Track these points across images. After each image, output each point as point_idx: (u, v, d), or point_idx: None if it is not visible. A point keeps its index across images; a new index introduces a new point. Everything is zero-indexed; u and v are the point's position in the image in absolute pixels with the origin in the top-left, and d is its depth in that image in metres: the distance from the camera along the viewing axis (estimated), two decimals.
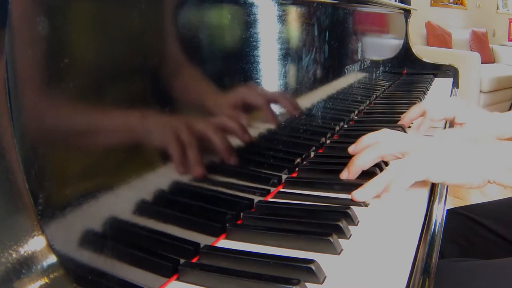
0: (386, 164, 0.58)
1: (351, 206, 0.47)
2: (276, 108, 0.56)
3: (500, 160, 0.49)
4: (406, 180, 0.49)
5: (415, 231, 0.44)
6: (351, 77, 0.88)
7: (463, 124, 0.73)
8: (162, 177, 0.36)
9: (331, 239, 0.39)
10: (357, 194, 0.50)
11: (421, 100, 1.04)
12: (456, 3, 4.66)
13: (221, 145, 0.44)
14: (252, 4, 0.49)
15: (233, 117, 0.46)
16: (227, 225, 0.44)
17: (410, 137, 0.56)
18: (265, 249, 0.41)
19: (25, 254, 0.25)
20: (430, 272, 0.39)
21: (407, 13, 1.49)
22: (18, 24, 0.24)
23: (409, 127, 0.82)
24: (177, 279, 0.37)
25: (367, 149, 0.55)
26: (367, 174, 0.55)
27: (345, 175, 0.56)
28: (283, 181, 0.56)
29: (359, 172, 0.55)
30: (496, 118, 0.73)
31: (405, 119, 0.80)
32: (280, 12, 0.55)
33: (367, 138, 0.57)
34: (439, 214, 0.49)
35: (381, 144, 0.55)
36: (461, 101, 0.77)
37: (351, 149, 0.58)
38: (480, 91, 3.60)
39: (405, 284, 0.35)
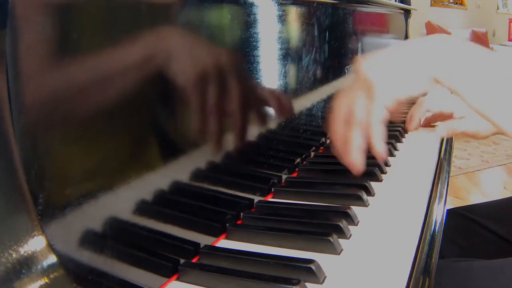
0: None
1: (351, 206, 0.47)
2: (276, 108, 0.56)
3: (450, 62, 0.45)
4: (378, 129, 0.45)
5: (415, 231, 0.44)
6: None
7: (462, 117, 0.73)
8: (162, 177, 0.36)
9: (331, 239, 0.39)
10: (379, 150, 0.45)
11: None
12: (456, 3, 4.66)
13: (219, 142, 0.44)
14: (252, 4, 0.49)
15: (232, 117, 0.46)
16: (227, 225, 0.44)
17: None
18: (265, 249, 0.41)
19: (25, 254, 0.25)
20: (430, 272, 0.39)
21: (407, 13, 1.49)
22: (18, 24, 0.24)
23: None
24: (177, 279, 0.37)
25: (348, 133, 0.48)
26: (368, 175, 0.55)
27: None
28: (283, 181, 0.56)
29: (361, 151, 0.47)
30: None
31: (412, 122, 0.78)
32: (280, 12, 0.55)
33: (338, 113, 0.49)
34: (439, 214, 0.49)
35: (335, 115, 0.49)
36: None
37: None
38: None
39: (405, 284, 0.35)
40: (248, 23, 0.48)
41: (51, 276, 0.25)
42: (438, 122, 0.77)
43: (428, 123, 0.82)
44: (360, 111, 0.47)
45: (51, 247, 0.26)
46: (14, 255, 0.24)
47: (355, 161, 0.46)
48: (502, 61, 0.43)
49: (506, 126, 0.43)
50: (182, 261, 0.38)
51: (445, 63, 0.44)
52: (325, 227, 0.42)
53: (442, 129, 0.71)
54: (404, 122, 0.79)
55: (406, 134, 0.76)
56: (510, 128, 0.42)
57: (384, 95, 0.46)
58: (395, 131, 0.74)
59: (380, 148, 0.45)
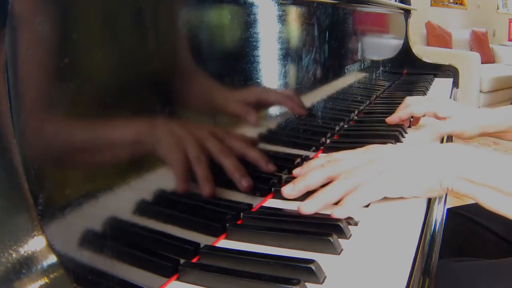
0: None
1: None
2: (276, 108, 0.56)
3: (452, 167, 0.46)
4: (366, 197, 0.46)
5: (415, 231, 0.44)
6: (351, 77, 0.88)
7: (447, 117, 0.73)
8: (162, 177, 0.36)
9: (331, 239, 0.39)
10: (304, 207, 0.46)
11: None
12: (456, 3, 4.66)
13: (221, 148, 0.44)
14: (252, 4, 0.49)
15: (232, 117, 0.46)
16: (227, 225, 0.44)
17: (366, 154, 0.51)
18: (265, 249, 0.41)
19: (25, 254, 0.25)
20: (430, 272, 0.39)
21: (407, 13, 1.49)
22: (18, 24, 0.24)
23: (409, 126, 0.82)
24: (177, 279, 0.37)
25: (319, 169, 0.50)
26: None
27: (288, 191, 0.49)
28: (283, 181, 0.56)
29: (305, 191, 0.49)
30: (480, 112, 0.73)
31: (394, 116, 0.79)
32: (280, 12, 0.55)
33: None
34: (439, 214, 0.49)
35: (331, 164, 0.50)
36: (444, 97, 0.77)
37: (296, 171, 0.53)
38: (480, 91, 3.61)
39: (405, 284, 0.35)
40: (248, 23, 0.48)
41: (51, 276, 0.25)
42: (424, 127, 0.78)
43: (416, 122, 0.82)
44: (363, 176, 0.47)
45: (51, 247, 0.26)
46: (14, 255, 0.24)
47: (314, 209, 0.46)
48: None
49: None
50: (182, 261, 0.38)
51: (460, 172, 0.45)
52: (325, 227, 0.42)
53: (428, 135, 0.71)
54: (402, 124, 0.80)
55: (406, 134, 0.76)
56: None
57: (392, 185, 0.47)
58: (395, 131, 0.74)
59: (341, 212, 0.45)
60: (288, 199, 0.50)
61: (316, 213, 0.46)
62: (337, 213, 0.44)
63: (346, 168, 0.49)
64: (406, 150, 0.50)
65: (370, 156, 0.50)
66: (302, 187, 0.49)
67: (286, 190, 0.49)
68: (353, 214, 0.46)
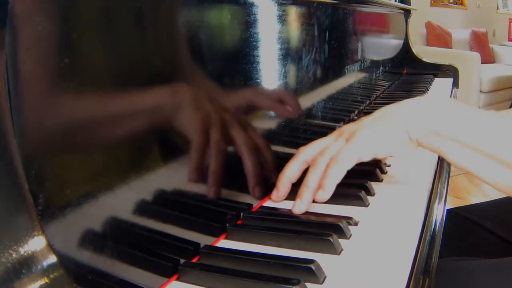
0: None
1: (352, 206, 0.47)
2: (276, 108, 0.56)
3: (420, 119, 0.45)
4: (341, 167, 0.45)
5: (415, 231, 0.44)
6: (351, 77, 0.88)
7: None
8: (162, 177, 0.36)
9: (331, 239, 0.39)
10: (296, 207, 0.46)
11: None
12: (456, 3, 4.66)
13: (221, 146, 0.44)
14: (252, 4, 0.49)
15: (232, 117, 0.46)
16: (227, 225, 0.44)
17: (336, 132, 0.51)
18: (265, 249, 0.41)
19: (25, 254, 0.25)
20: (430, 272, 0.39)
21: (407, 13, 1.49)
22: (18, 24, 0.24)
23: None
24: (177, 279, 0.37)
25: (292, 160, 0.50)
26: (368, 175, 0.54)
27: (275, 195, 0.50)
28: None
29: (289, 185, 0.50)
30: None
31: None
32: (280, 12, 0.55)
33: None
34: (439, 214, 0.49)
35: (302, 149, 0.50)
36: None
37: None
38: (480, 91, 3.61)
39: (405, 284, 0.35)
40: (248, 23, 0.48)
41: (51, 276, 0.25)
42: None
43: None
44: (332, 149, 0.47)
45: (51, 247, 0.26)
46: (14, 255, 0.24)
47: (306, 206, 0.46)
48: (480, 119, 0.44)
49: (490, 180, 0.43)
50: (182, 261, 0.38)
51: (426, 124, 0.45)
52: (325, 227, 0.42)
53: None
54: None
55: None
56: (490, 180, 0.43)
57: (362, 144, 0.46)
58: None
59: (324, 194, 0.45)
60: (278, 201, 0.50)
61: (316, 213, 0.46)
62: (320, 195, 0.44)
63: (318, 149, 0.48)
64: (371, 116, 0.49)
65: (338, 132, 0.50)
66: (285, 184, 0.49)
67: (273, 196, 0.50)
68: (353, 214, 0.46)
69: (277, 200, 0.50)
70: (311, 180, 0.46)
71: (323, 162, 0.47)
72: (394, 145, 0.47)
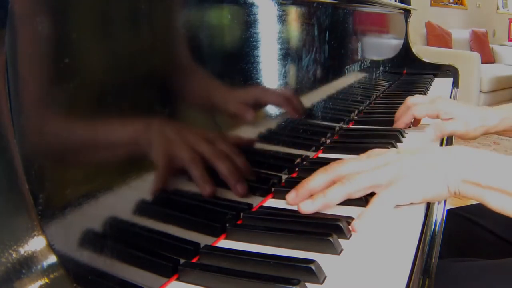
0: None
1: (352, 206, 0.47)
2: (276, 108, 0.56)
3: (458, 171, 0.46)
4: (375, 211, 0.45)
5: (415, 231, 0.44)
6: (351, 77, 0.88)
7: (450, 119, 0.73)
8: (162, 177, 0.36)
9: (331, 239, 0.39)
10: (303, 206, 0.46)
11: None
12: (456, 3, 4.66)
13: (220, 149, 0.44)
14: (252, 4, 0.49)
15: (232, 117, 0.46)
16: (227, 225, 0.44)
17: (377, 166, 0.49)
18: (265, 249, 0.41)
19: (25, 254, 0.25)
20: (430, 272, 0.39)
21: (407, 13, 1.49)
22: (18, 24, 0.24)
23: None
24: (177, 279, 0.37)
25: (321, 172, 0.49)
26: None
27: (292, 197, 0.49)
28: (283, 181, 0.56)
29: (308, 194, 0.49)
30: (482, 112, 0.73)
31: (398, 122, 0.80)
32: (280, 12, 0.55)
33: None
34: (439, 214, 0.49)
35: (335, 166, 0.49)
36: (444, 97, 0.77)
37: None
38: (480, 91, 3.61)
39: (405, 284, 0.35)
40: (248, 23, 0.48)
41: (51, 276, 0.25)
42: (428, 125, 0.77)
43: (417, 122, 0.82)
44: (369, 180, 0.47)
45: (51, 247, 0.26)
46: (14, 255, 0.24)
47: (313, 209, 0.46)
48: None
49: None
50: (182, 261, 0.38)
51: (467, 174, 0.45)
52: (325, 227, 0.42)
53: (431, 133, 0.71)
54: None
55: (406, 134, 0.76)
56: None
57: (402, 194, 0.46)
58: (395, 132, 0.74)
59: (359, 226, 0.44)
60: (292, 204, 0.49)
61: (316, 213, 0.46)
62: (356, 225, 0.44)
63: (349, 171, 0.48)
64: (411, 156, 0.49)
65: (375, 162, 0.49)
66: (305, 192, 0.49)
67: (290, 197, 0.49)
68: (353, 214, 0.46)
69: (292, 203, 0.49)
70: (332, 194, 0.46)
71: (355, 187, 0.46)
72: (430, 197, 0.48)
